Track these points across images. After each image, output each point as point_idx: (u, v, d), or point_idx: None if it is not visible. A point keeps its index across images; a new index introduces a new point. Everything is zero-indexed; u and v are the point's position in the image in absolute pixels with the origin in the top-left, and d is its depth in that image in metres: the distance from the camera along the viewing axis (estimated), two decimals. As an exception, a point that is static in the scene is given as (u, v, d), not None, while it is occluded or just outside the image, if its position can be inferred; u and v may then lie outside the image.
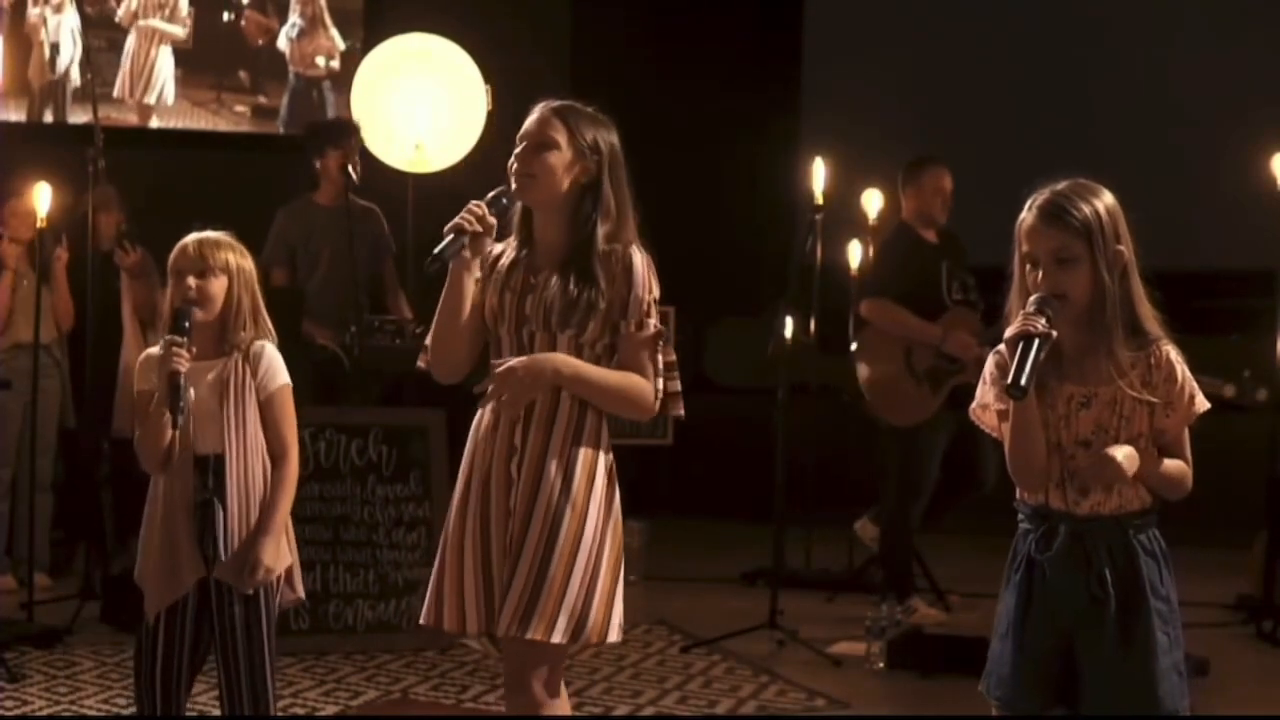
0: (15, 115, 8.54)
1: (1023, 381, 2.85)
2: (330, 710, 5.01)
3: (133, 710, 4.28)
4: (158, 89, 8.88)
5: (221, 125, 9.06)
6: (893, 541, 6.53)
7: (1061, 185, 3.02)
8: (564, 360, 3.20)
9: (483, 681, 5.34)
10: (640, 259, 3.25)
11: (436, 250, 3.21)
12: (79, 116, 8.54)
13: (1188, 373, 2.99)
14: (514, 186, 3.26)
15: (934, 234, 6.58)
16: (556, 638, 3.17)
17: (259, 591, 3.57)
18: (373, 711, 5.04)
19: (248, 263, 3.67)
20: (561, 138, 3.24)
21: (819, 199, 6.50)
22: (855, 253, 7.41)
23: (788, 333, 6.65)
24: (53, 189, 6.06)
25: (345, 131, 6.75)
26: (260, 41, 9.08)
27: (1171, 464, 3.00)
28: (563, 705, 3.31)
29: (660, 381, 3.27)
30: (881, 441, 6.64)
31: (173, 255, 3.63)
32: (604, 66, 9.05)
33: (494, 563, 3.22)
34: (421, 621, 3.33)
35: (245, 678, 3.57)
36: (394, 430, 5.92)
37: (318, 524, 5.76)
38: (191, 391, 3.50)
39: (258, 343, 3.64)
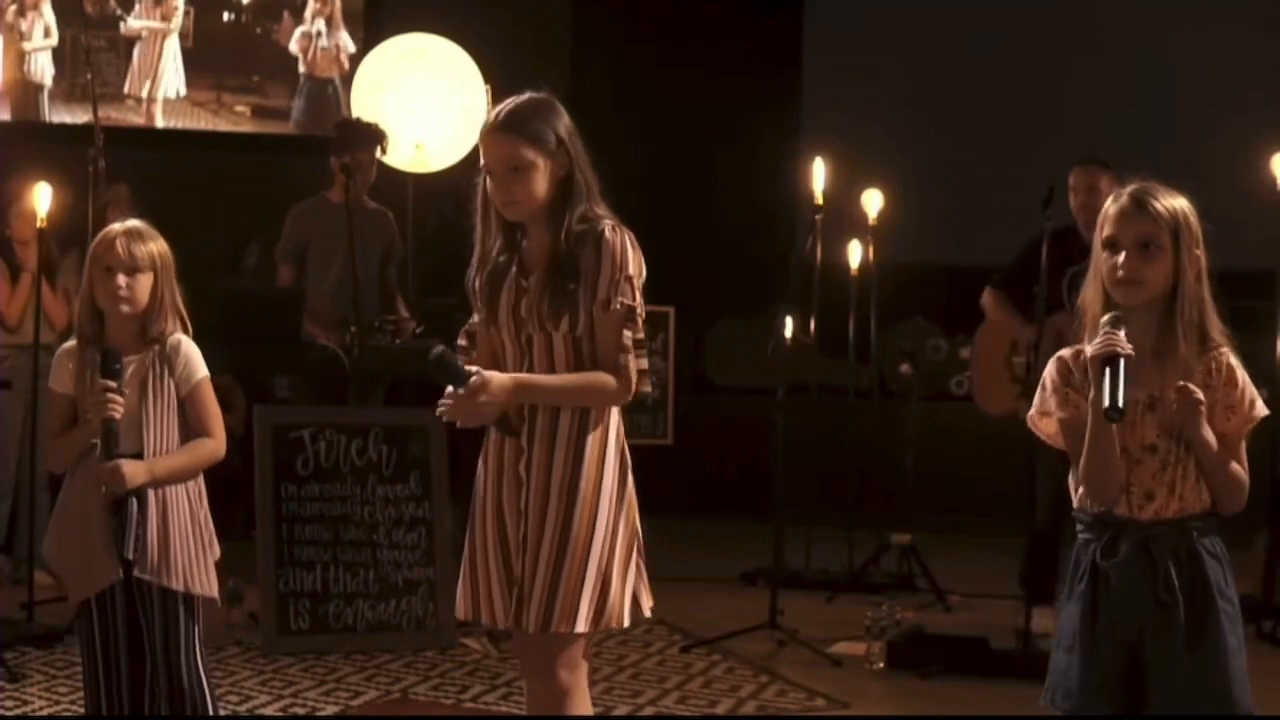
0: (1, 116, 8.56)
1: (1120, 403, 2.86)
2: (330, 710, 5.01)
3: (85, 707, 4.26)
4: (164, 85, 8.89)
5: (221, 125, 9.07)
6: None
7: (1146, 181, 3.03)
8: (510, 382, 3.19)
9: (483, 681, 5.34)
10: (613, 235, 3.22)
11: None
12: (64, 116, 8.55)
13: (1248, 379, 3.00)
14: (502, 212, 3.26)
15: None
16: (580, 627, 3.21)
17: (180, 589, 3.56)
18: (373, 711, 5.04)
19: (168, 251, 3.66)
20: (530, 154, 3.22)
21: (819, 199, 6.50)
22: (855, 253, 7.42)
23: (788, 333, 6.65)
24: (53, 189, 6.06)
25: (373, 138, 6.72)
26: (293, 48, 9.10)
27: (1235, 465, 3.02)
28: (584, 692, 3.34)
29: (630, 360, 3.23)
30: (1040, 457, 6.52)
31: (99, 245, 3.62)
32: (604, 67, 9.06)
33: (513, 561, 3.27)
34: (460, 615, 3.39)
35: (163, 671, 3.58)
36: (394, 430, 5.92)
37: (318, 524, 5.76)
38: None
39: (174, 337, 3.64)
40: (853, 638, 5.86)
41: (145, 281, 3.60)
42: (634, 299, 3.23)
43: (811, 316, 7.21)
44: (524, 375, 3.24)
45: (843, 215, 7.33)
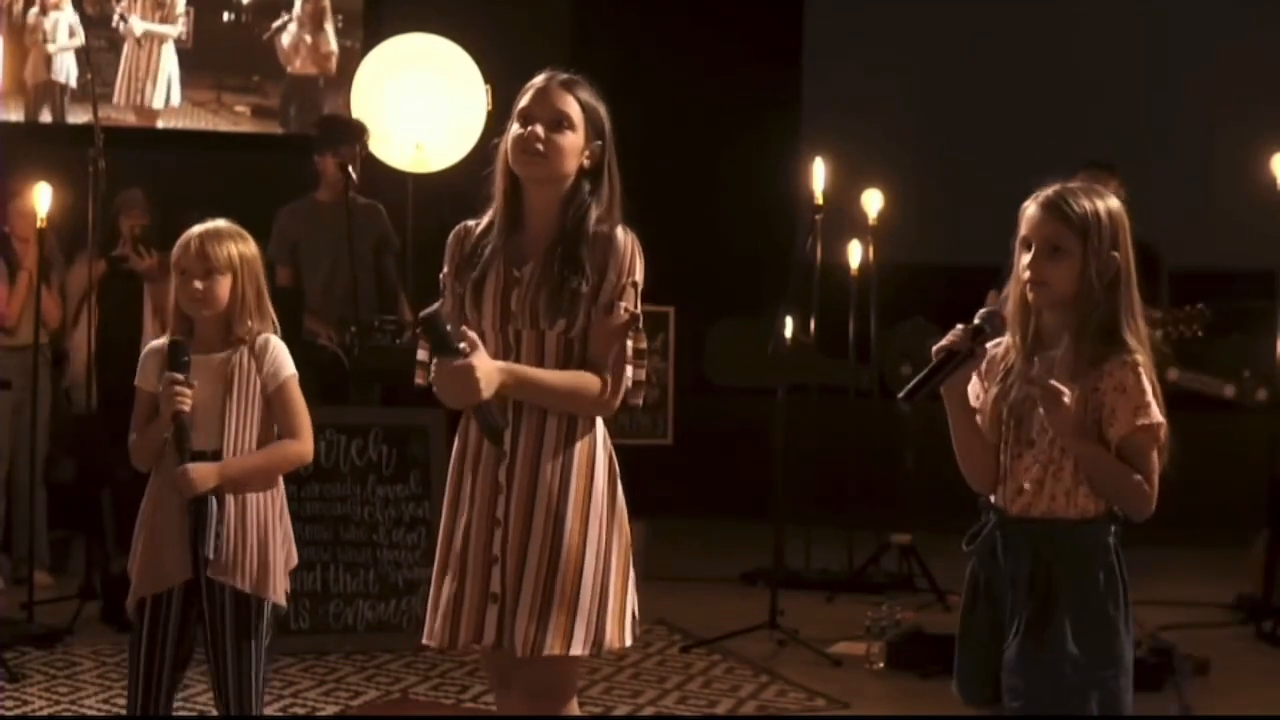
0: (14, 116, 8.55)
1: (913, 399, 2.94)
2: (330, 710, 5.01)
3: (128, 708, 4.26)
4: (163, 92, 8.89)
5: (221, 125, 9.07)
6: None
7: (1072, 183, 3.05)
8: (503, 369, 2.98)
9: (483, 682, 5.34)
10: (625, 239, 3.06)
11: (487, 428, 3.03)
12: (78, 116, 8.54)
13: (1147, 388, 2.93)
14: (517, 164, 3.06)
15: None
16: (576, 649, 2.99)
17: (254, 593, 3.54)
18: (373, 711, 5.04)
19: (252, 251, 3.64)
20: (577, 117, 3.08)
21: (819, 199, 6.50)
22: (855, 253, 7.42)
23: (788, 333, 6.65)
24: (53, 189, 6.06)
25: (352, 133, 6.73)
26: (295, 58, 9.10)
27: (1119, 465, 2.93)
28: (574, 710, 3.17)
29: (628, 370, 3.06)
30: None
31: (176, 250, 3.61)
32: (604, 67, 8.96)
33: (489, 574, 3.02)
34: (425, 641, 3.12)
35: (232, 680, 3.55)
36: (394, 430, 5.92)
37: (318, 524, 5.76)
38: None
39: (262, 336, 3.63)
40: (853, 638, 5.86)
41: (223, 283, 3.58)
42: (637, 306, 3.07)
43: (811, 316, 7.21)
44: (517, 366, 3.01)
45: (843, 215, 7.34)
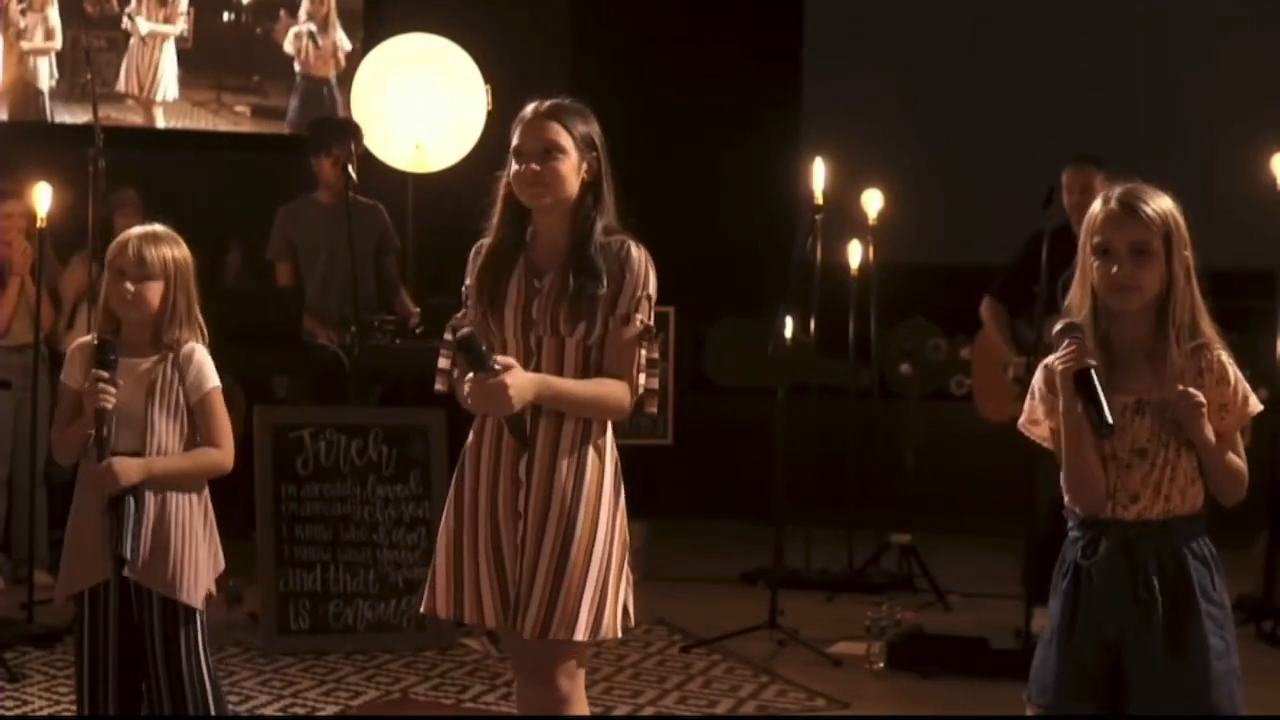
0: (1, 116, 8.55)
1: (1110, 420, 2.87)
2: (330, 710, 5.01)
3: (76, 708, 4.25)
4: (162, 87, 8.89)
5: (221, 125, 9.07)
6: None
7: (1132, 184, 3.02)
8: (536, 380, 3.17)
9: (483, 681, 5.34)
10: (639, 254, 3.26)
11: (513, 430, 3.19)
12: (64, 116, 8.54)
13: (1240, 375, 3.00)
14: (523, 197, 3.24)
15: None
16: (579, 635, 3.20)
17: (173, 593, 3.56)
18: (373, 711, 5.04)
19: (186, 258, 3.65)
20: (566, 141, 3.23)
21: (819, 199, 6.50)
22: (855, 253, 7.42)
23: (788, 333, 6.64)
24: (52, 189, 6.06)
25: (346, 133, 6.74)
26: (288, 47, 9.10)
27: (1234, 458, 3.02)
28: (582, 699, 3.34)
29: (642, 378, 3.26)
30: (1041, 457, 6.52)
31: (112, 250, 3.62)
32: (604, 67, 9.05)
33: (506, 563, 3.24)
34: (424, 610, 3.34)
35: (163, 677, 3.57)
36: (394, 430, 5.92)
37: (318, 524, 5.76)
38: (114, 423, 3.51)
39: (188, 345, 3.63)
40: (853, 638, 5.86)
41: (155, 288, 3.59)
42: (651, 318, 3.27)
43: (811, 316, 7.21)
44: (549, 376, 3.21)
45: (843, 215, 7.33)
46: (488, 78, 7.32)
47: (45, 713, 4.88)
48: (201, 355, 3.65)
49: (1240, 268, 8.39)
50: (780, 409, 6.15)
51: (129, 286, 3.57)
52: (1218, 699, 2.97)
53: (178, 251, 3.64)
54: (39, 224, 6.06)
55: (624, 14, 9.66)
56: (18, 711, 4.86)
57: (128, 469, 3.50)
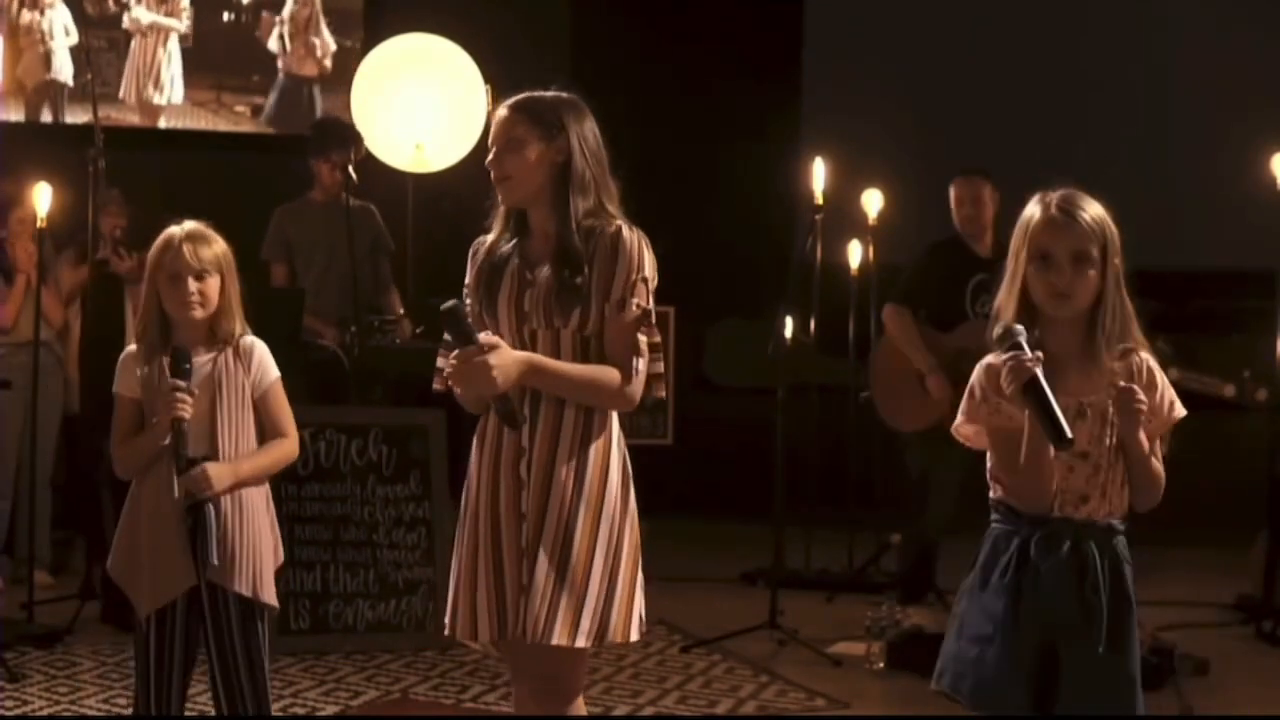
0: (14, 116, 8.55)
1: (1069, 434, 2.84)
2: (330, 710, 5.01)
3: (132, 710, 4.28)
4: (166, 89, 8.89)
5: (221, 125, 9.07)
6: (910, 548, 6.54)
7: (1066, 190, 3.01)
8: (522, 358, 3.08)
9: (483, 681, 5.34)
10: (631, 236, 3.15)
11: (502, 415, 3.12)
12: (78, 116, 8.54)
13: (1166, 380, 3.02)
14: (499, 195, 3.23)
15: (986, 246, 6.37)
16: (581, 641, 3.10)
17: (254, 593, 3.56)
18: (373, 711, 5.04)
19: (228, 249, 3.66)
20: (525, 131, 3.19)
21: (819, 199, 6.50)
22: (855, 253, 7.42)
23: (788, 333, 6.64)
24: (53, 189, 6.06)
25: (347, 138, 6.75)
26: (272, 46, 9.09)
27: (1157, 463, 3.01)
28: (580, 708, 3.26)
29: (642, 363, 3.16)
30: (906, 450, 6.56)
31: (161, 252, 3.58)
32: (604, 67, 9.04)
33: (506, 567, 3.14)
34: (446, 633, 3.25)
35: (245, 677, 3.56)
36: (394, 430, 5.92)
37: (318, 524, 5.77)
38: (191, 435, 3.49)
39: (247, 338, 3.64)
40: (853, 638, 5.86)
41: (214, 284, 3.58)
42: (649, 302, 3.17)
43: (811, 316, 7.21)
44: (537, 356, 3.11)
45: (843, 215, 7.34)
46: (488, 78, 7.31)
47: (45, 713, 4.88)
48: (262, 347, 3.65)
49: (1240, 268, 8.43)
50: (780, 409, 6.15)
51: (192, 286, 3.55)
52: (1139, 695, 3.02)
53: (221, 244, 3.64)
54: (39, 224, 6.06)
55: (624, 14, 9.66)
56: (18, 711, 4.86)
57: (220, 474, 3.49)
